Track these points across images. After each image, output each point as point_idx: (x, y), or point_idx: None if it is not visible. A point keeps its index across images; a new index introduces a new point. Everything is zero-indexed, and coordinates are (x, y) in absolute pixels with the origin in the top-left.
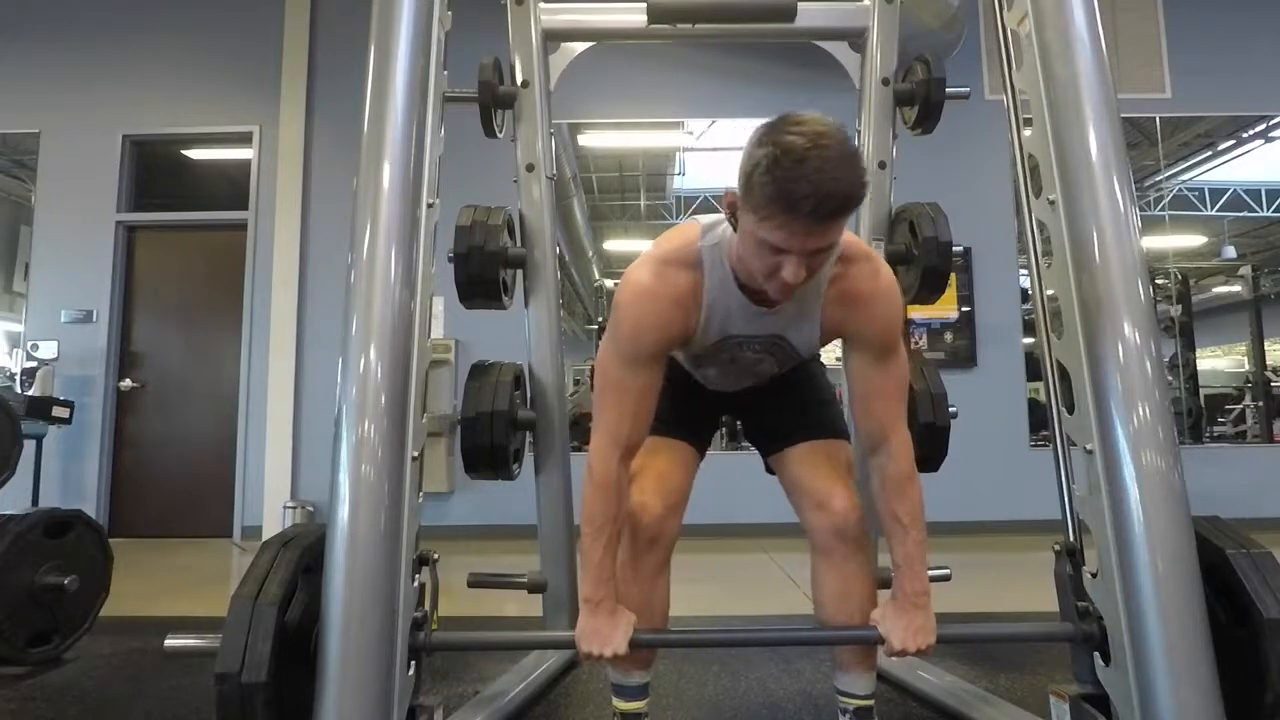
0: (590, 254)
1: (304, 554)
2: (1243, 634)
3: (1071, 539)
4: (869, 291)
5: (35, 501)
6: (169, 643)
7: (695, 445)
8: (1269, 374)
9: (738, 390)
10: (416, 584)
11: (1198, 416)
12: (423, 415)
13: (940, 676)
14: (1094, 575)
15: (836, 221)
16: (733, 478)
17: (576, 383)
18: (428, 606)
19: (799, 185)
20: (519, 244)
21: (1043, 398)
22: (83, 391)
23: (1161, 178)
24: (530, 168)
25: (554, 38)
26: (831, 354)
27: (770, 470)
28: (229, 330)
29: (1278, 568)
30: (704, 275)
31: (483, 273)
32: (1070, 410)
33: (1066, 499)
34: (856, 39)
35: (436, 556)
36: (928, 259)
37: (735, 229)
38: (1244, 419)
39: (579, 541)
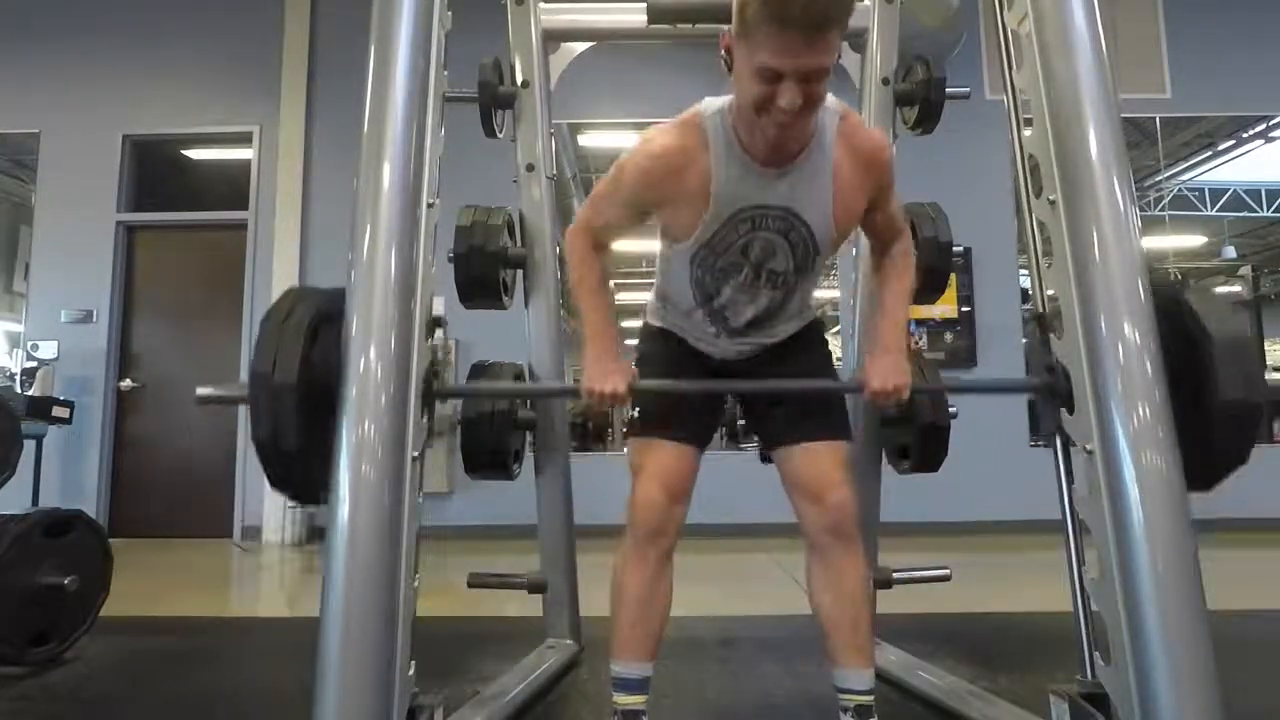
0: None
1: (325, 300)
2: (1193, 357)
3: (1040, 309)
4: (879, 142)
5: (35, 501)
6: (200, 391)
7: (696, 444)
8: (1268, 374)
9: (745, 355)
10: (429, 345)
11: None
12: (423, 415)
13: (940, 676)
14: (1095, 578)
15: (827, 34)
16: (733, 478)
17: (576, 382)
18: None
19: None
20: (519, 244)
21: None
22: (83, 391)
23: (1161, 178)
24: (530, 168)
25: (554, 38)
26: (834, 354)
27: (766, 459)
28: (229, 330)
29: (1222, 301)
30: (708, 139)
31: (483, 273)
32: (1070, 410)
33: (1067, 499)
34: (856, 39)
35: (446, 319)
36: (928, 259)
37: (731, 71)
38: None
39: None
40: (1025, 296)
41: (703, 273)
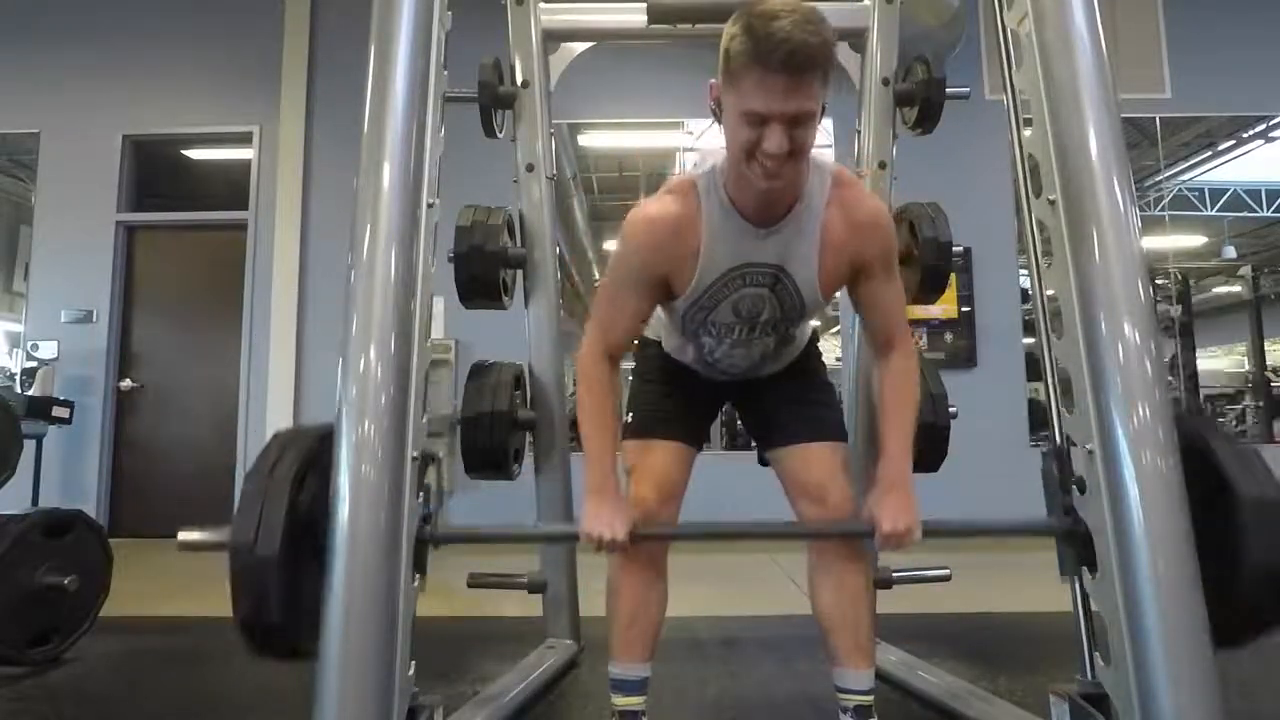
0: (590, 254)
1: (314, 444)
2: (1223, 516)
3: (1059, 443)
4: (873, 211)
5: (35, 501)
6: (182, 536)
7: (690, 443)
8: (1269, 374)
9: (739, 379)
10: (422, 488)
11: None
12: (423, 415)
13: (940, 676)
14: (1094, 575)
15: (811, 78)
16: (732, 478)
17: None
18: (433, 506)
19: (772, 38)
20: (519, 244)
21: (1042, 397)
22: (83, 391)
23: (1161, 178)
24: (530, 168)
25: (554, 38)
26: (831, 355)
27: (764, 462)
28: (229, 330)
29: (1258, 456)
30: (700, 200)
31: (483, 273)
32: (1070, 410)
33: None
34: (856, 39)
35: (440, 455)
36: (928, 259)
37: (720, 121)
38: (1244, 419)
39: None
40: (1025, 296)
41: (695, 328)
